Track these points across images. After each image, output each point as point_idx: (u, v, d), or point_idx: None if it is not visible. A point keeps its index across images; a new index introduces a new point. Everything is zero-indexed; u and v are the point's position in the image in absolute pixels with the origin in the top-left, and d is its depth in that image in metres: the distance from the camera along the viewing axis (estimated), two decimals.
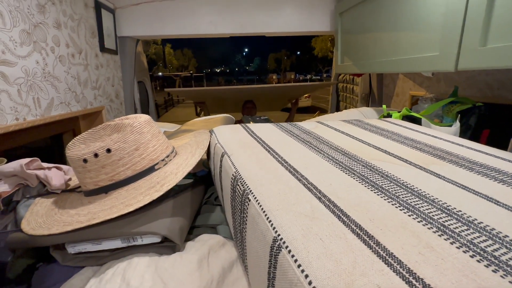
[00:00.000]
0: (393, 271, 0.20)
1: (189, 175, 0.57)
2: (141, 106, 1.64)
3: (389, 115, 0.88)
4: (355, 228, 0.25)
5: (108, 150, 0.47)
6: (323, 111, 5.77)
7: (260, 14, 1.36)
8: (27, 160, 0.53)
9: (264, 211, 0.28)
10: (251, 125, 0.59)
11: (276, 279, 0.24)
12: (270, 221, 0.26)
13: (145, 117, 0.52)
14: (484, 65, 0.58)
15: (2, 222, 0.48)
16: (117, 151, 0.47)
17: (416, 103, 1.04)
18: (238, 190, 0.34)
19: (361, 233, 0.24)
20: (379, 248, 0.22)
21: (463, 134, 0.72)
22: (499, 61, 0.55)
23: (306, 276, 0.20)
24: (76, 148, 0.48)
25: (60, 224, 0.43)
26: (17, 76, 0.69)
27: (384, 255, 0.21)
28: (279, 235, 0.24)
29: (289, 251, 0.22)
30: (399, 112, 0.90)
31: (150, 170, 0.49)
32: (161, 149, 0.53)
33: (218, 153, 0.47)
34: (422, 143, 0.53)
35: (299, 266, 0.21)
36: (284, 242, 0.23)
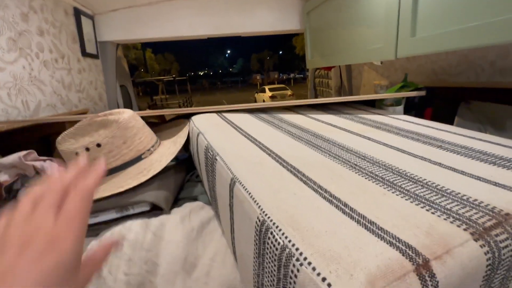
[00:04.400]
0: (309, 187, 0.30)
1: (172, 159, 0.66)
2: (125, 103, 1.68)
3: None
4: (290, 168, 0.34)
5: (98, 145, 0.54)
6: None
7: (235, 16, 1.45)
8: (24, 152, 0.60)
9: (226, 164, 0.37)
10: (226, 114, 0.68)
11: (233, 208, 0.33)
12: (229, 169, 0.35)
13: (129, 113, 0.60)
14: (416, 52, 0.70)
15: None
16: (106, 145, 0.54)
17: None
18: (209, 156, 0.43)
19: (292, 170, 0.34)
20: (302, 176, 0.32)
21: (408, 112, 0.84)
22: (426, 48, 0.67)
23: (250, 194, 0.29)
24: (67, 142, 0.55)
25: None
26: (6, 80, 0.75)
27: (305, 179, 0.31)
28: (235, 175, 0.33)
29: (241, 183, 0.31)
30: None
31: (138, 159, 0.57)
32: (147, 141, 0.60)
33: (195, 134, 0.56)
34: (367, 118, 0.64)
35: (249, 195, 0.30)
36: (237, 179, 0.33)
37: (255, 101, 13.39)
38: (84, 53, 1.19)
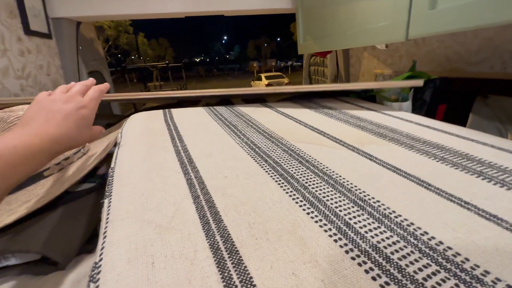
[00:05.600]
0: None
1: (94, 177, 0.47)
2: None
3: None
4: (219, 240, 0.17)
5: None
6: None
7: None
8: None
9: (107, 221, 0.20)
10: (175, 110, 0.50)
11: None
12: (105, 236, 0.18)
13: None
14: (435, 30, 0.52)
15: None
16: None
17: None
18: (106, 192, 0.26)
19: (222, 249, 0.17)
20: (236, 271, 0.15)
21: (417, 110, 0.67)
22: (450, 24, 0.49)
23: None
24: None
25: None
26: None
27: (236, 282, 0.14)
28: (101, 259, 0.16)
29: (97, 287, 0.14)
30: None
31: (36, 178, 0.40)
32: None
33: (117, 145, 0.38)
34: (367, 120, 0.47)
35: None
36: (99, 273, 0.15)
37: None
38: (29, 31, 0.98)
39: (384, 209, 0.21)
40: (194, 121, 0.44)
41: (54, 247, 0.33)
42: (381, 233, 0.18)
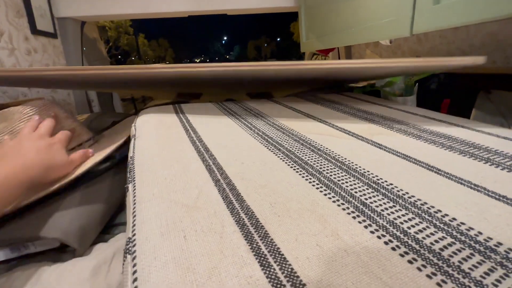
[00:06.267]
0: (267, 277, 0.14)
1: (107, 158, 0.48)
2: (103, 99, 1.50)
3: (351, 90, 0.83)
4: (244, 217, 0.18)
5: None
6: None
7: None
8: None
9: (134, 202, 0.21)
10: (185, 105, 0.51)
11: None
12: (134, 215, 0.19)
13: (40, 102, 0.43)
14: (439, 24, 0.53)
15: None
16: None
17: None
18: (128, 178, 0.27)
19: (248, 224, 0.18)
20: (264, 243, 0.16)
21: (422, 104, 0.68)
22: (454, 18, 0.50)
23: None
24: None
25: None
26: None
27: (265, 252, 0.15)
28: (134, 234, 0.17)
29: (134, 258, 0.15)
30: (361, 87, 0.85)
31: None
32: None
33: (132, 138, 0.39)
34: (374, 113, 0.48)
35: (134, 280, 0.14)
36: (134, 245, 0.16)
37: None
38: (35, 31, 0.99)
39: (398, 191, 0.22)
40: (205, 115, 0.45)
41: (69, 233, 0.34)
42: (396, 211, 0.19)
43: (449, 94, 0.71)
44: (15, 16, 0.91)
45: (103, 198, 0.40)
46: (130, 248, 0.16)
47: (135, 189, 0.22)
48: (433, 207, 0.20)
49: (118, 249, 0.33)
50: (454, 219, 0.18)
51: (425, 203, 0.20)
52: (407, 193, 0.22)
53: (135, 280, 0.14)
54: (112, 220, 0.42)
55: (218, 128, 0.38)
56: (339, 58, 1.55)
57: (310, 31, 1.22)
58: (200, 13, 1.29)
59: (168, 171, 0.25)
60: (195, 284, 0.13)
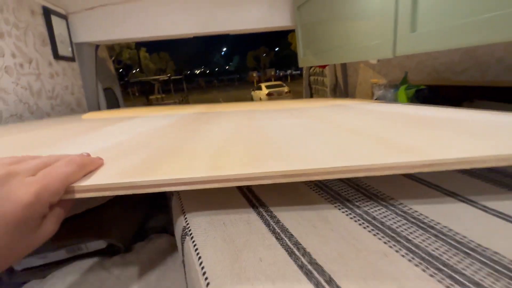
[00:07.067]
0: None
1: None
2: (110, 99, 1.59)
3: None
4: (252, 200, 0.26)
5: None
6: None
7: (222, 12, 1.36)
8: None
9: (182, 206, 0.29)
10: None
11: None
12: (183, 211, 0.27)
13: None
14: (417, 49, 0.62)
15: None
16: None
17: None
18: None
19: (257, 204, 0.25)
20: (277, 227, 0.24)
21: None
22: (429, 45, 0.59)
23: (199, 257, 0.21)
24: None
25: None
26: None
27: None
28: (187, 223, 0.25)
29: (192, 238, 0.23)
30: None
31: None
32: None
33: None
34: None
35: (196, 249, 0.22)
36: (189, 229, 0.24)
37: (252, 99, 13.28)
38: (57, 56, 1.10)
39: None
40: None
41: (117, 236, 0.41)
42: None
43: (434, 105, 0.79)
44: (41, 44, 1.02)
45: (137, 208, 0.48)
46: (187, 232, 0.24)
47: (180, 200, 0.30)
48: None
49: (156, 248, 0.41)
50: None
51: None
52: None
53: (196, 249, 0.22)
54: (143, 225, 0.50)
55: None
56: (335, 71, 1.65)
57: (307, 48, 1.32)
58: (205, 34, 1.40)
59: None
60: (237, 250, 0.21)
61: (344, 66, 1.57)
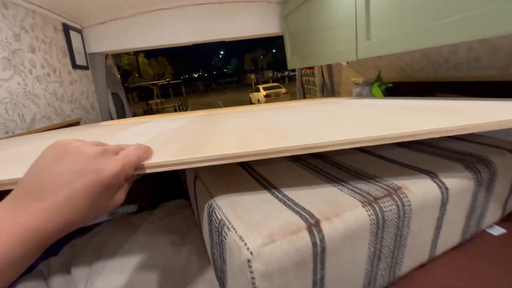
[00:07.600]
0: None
1: None
2: (118, 117, 1.76)
3: None
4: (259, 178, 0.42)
5: None
6: None
7: (217, 22, 1.52)
8: None
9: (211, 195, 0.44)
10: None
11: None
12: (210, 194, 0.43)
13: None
14: (372, 54, 0.78)
15: None
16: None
17: None
18: None
19: (267, 184, 0.41)
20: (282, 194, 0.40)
21: None
22: (380, 50, 0.75)
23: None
24: None
25: None
26: (3, 96, 0.82)
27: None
28: (214, 201, 0.41)
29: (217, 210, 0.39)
30: None
31: None
32: None
33: None
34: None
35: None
36: (217, 204, 0.40)
37: (250, 101, 13.40)
38: (75, 66, 1.26)
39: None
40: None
41: (146, 201, 0.57)
42: None
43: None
44: (62, 56, 1.18)
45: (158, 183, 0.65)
46: (212, 209, 0.40)
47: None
48: None
49: (173, 206, 0.57)
50: None
51: None
52: None
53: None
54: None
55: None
56: (322, 71, 1.81)
57: (294, 52, 1.48)
58: (203, 41, 1.56)
59: None
60: (266, 224, 0.28)
61: (329, 66, 1.73)
